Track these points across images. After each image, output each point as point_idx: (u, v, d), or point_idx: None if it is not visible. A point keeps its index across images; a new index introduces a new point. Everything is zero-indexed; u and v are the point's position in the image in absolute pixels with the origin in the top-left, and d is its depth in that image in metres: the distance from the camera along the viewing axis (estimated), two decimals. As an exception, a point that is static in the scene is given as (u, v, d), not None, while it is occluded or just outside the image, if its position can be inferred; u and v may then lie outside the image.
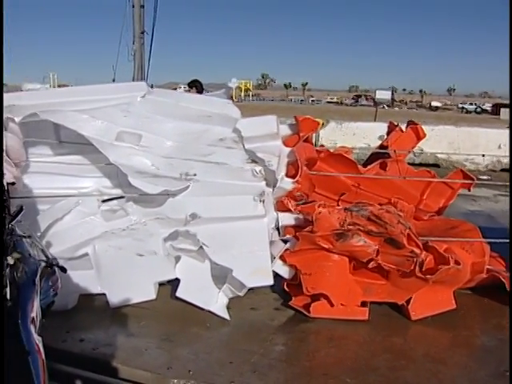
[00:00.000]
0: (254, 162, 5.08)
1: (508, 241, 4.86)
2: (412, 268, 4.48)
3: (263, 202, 4.95)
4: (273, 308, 5.05)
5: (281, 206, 5.17)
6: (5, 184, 3.09)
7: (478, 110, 79.72)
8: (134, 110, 5.11)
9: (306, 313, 4.80)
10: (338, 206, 5.25)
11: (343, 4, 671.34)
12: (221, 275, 4.88)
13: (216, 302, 4.81)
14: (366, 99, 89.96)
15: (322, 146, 8.47)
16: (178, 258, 5.05)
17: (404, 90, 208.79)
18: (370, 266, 4.63)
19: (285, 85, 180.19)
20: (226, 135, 5.10)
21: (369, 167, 6.18)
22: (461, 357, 4.30)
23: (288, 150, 5.26)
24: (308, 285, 4.72)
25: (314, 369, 4.02)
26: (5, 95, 5.04)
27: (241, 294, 4.88)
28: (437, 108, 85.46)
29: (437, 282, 4.62)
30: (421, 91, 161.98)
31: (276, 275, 4.83)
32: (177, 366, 3.95)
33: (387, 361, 4.13)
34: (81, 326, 4.52)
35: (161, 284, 5.12)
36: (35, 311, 2.28)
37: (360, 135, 15.12)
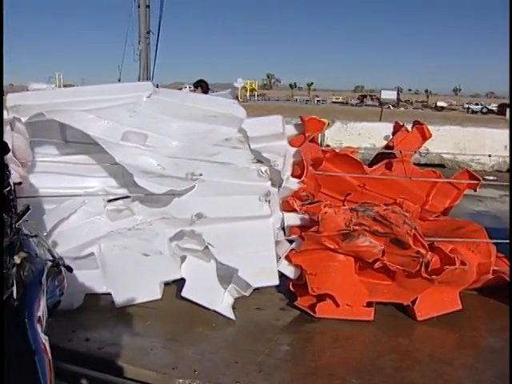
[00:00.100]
0: (259, 161, 5.07)
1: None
2: (418, 268, 4.47)
3: (269, 202, 4.96)
4: (278, 308, 5.05)
5: (286, 206, 5.17)
6: (11, 184, 3.09)
7: (484, 110, 79.36)
8: (140, 110, 5.12)
9: (311, 313, 4.80)
10: (344, 206, 5.24)
11: (349, 4, 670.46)
12: (226, 275, 4.89)
13: (221, 301, 4.82)
14: (372, 99, 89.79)
15: (328, 146, 8.46)
16: (183, 258, 5.06)
17: (409, 90, 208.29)
18: (376, 266, 4.63)
19: (290, 85, 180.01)
20: (231, 135, 5.10)
21: (374, 167, 6.18)
22: (467, 358, 4.29)
23: (294, 149, 5.26)
24: (313, 285, 4.72)
25: (320, 369, 4.02)
26: (11, 95, 5.10)
27: (246, 293, 4.89)
28: (442, 108, 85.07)
29: (442, 283, 4.61)
30: (426, 91, 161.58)
31: (281, 275, 4.83)
32: (182, 366, 3.96)
33: (393, 361, 4.13)
34: (86, 325, 4.53)
35: (166, 284, 5.12)
36: (42, 310, 2.28)
37: (365, 135, 15.10)
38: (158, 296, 4.98)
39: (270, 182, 5.08)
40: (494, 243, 5.01)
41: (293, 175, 5.22)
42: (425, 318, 4.77)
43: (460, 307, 4.88)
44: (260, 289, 5.00)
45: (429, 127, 6.64)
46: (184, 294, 4.88)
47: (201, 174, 4.97)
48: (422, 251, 4.45)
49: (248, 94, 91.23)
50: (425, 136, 6.51)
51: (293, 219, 5.13)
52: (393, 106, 59.08)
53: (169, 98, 5.30)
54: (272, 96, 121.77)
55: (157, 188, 4.82)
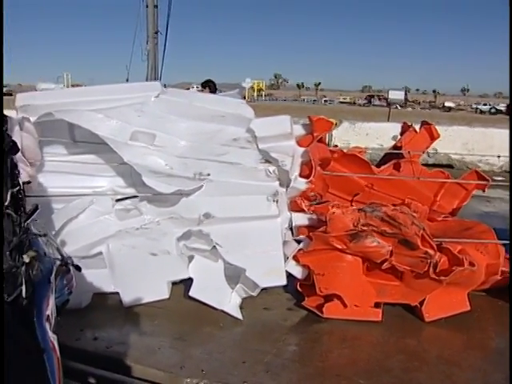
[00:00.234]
0: (267, 161, 5.07)
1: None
2: (426, 269, 4.46)
3: (277, 201, 4.95)
4: (286, 308, 5.05)
5: (294, 206, 5.17)
6: (21, 183, 3.11)
7: (493, 110, 78.76)
8: (148, 110, 5.13)
9: (319, 313, 4.80)
10: (352, 206, 5.23)
11: (357, 4, 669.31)
12: (234, 275, 4.89)
13: (229, 301, 4.82)
14: (379, 99, 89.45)
15: (336, 146, 8.44)
16: (191, 258, 5.07)
17: (417, 90, 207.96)
18: (384, 266, 4.62)
19: (297, 85, 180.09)
20: (239, 135, 5.10)
21: (382, 168, 6.16)
22: (475, 359, 4.27)
23: (302, 149, 5.25)
24: (321, 285, 4.71)
25: (327, 369, 4.02)
26: (20, 95, 5.13)
27: (254, 293, 4.89)
28: (450, 109, 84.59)
29: (451, 284, 4.60)
30: (434, 91, 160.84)
31: (289, 275, 4.83)
32: (190, 366, 3.96)
33: (401, 362, 4.12)
34: (95, 324, 4.55)
35: (174, 283, 5.14)
36: (50, 309, 2.30)
37: (373, 135, 15.06)
38: (166, 295, 5.00)
39: (278, 182, 5.08)
40: (503, 244, 4.99)
41: (301, 175, 5.21)
42: (433, 319, 4.76)
43: (468, 308, 4.86)
44: (268, 289, 5.00)
45: (437, 127, 6.61)
46: (192, 293, 4.89)
47: (209, 174, 4.97)
48: (431, 252, 4.44)
49: (255, 93, 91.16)
50: (433, 136, 6.49)
51: (301, 219, 5.13)
52: (400, 106, 58.77)
53: (177, 97, 5.31)
54: (279, 96, 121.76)
55: (165, 188, 4.83)
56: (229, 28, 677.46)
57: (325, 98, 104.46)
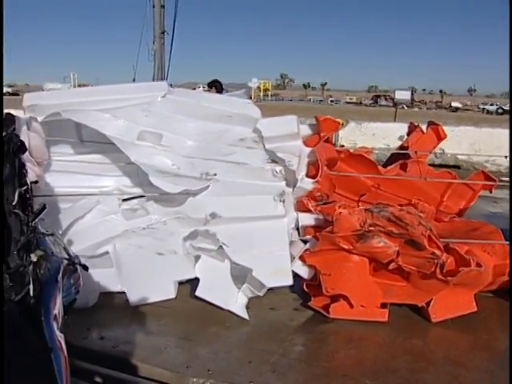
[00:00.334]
0: (274, 161, 5.07)
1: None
2: (433, 270, 4.45)
3: (283, 202, 4.96)
4: (292, 308, 5.05)
5: (301, 206, 5.17)
6: (28, 182, 3.12)
7: (500, 110, 78.24)
8: (155, 110, 5.14)
9: (325, 313, 4.79)
10: (359, 206, 5.22)
11: (363, 4, 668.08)
12: (240, 275, 4.89)
13: (235, 301, 4.82)
14: (386, 99, 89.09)
15: (343, 146, 8.43)
16: (197, 258, 5.07)
17: (424, 90, 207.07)
18: (391, 267, 4.61)
19: (304, 85, 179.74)
20: (246, 135, 5.11)
21: (389, 168, 6.15)
22: (482, 360, 4.26)
23: (308, 150, 5.25)
24: (328, 285, 4.71)
25: (334, 370, 4.01)
26: (27, 95, 5.15)
27: (260, 293, 4.89)
28: (457, 109, 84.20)
29: (458, 285, 4.58)
30: (441, 91, 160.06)
31: (295, 275, 4.82)
32: (196, 365, 3.97)
33: (407, 363, 4.11)
34: (101, 323, 4.56)
35: (180, 283, 5.14)
36: (58, 308, 2.30)
37: (379, 136, 15.01)
38: (172, 295, 5.00)
39: (284, 182, 5.08)
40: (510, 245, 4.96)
41: (307, 175, 5.22)
42: (439, 320, 4.75)
43: (475, 309, 4.84)
44: (274, 289, 5.00)
45: (443, 128, 6.60)
46: (198, 293, 4.89)
47: (215, 174, 4.97)
48: (437, 252, 4.42)
49: (262, 93, 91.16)
50: (440, 136, 6.47)
51: (307, 219, 5.13)
52: (407, 106, 58.66)
53: (184, 97, 5.32)
54: (286, 96, 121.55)
55: (171, 187, 4.84)
56: (235, 28, 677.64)
57: (331, 98, 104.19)
